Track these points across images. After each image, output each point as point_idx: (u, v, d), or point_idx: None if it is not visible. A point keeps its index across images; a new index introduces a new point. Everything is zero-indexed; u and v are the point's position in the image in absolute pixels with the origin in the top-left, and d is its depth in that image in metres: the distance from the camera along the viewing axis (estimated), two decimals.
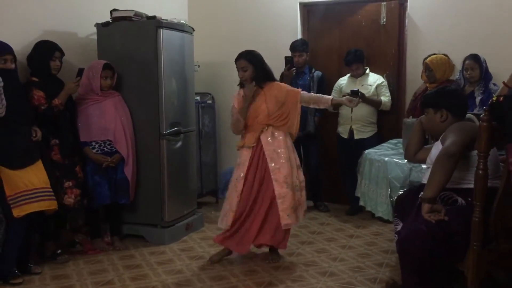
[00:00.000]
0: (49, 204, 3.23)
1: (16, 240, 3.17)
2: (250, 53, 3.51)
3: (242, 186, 3.44)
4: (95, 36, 4.05)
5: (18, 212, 3.09)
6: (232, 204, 3.46)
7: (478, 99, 3.85)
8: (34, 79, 3.47)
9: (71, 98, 3.68)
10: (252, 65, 3.46)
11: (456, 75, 4.14)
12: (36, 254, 3.51)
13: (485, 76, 3.91)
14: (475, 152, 2.38)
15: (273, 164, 3.41)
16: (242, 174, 3.45)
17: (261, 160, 3.45)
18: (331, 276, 3.30)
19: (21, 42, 3.55)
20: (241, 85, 3.56)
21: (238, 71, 3.50)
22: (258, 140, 3.46)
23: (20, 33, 3.59)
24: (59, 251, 3.57)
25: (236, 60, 3.50)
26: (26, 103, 3.33)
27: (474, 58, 3.92)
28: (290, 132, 3.52)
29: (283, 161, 3.42)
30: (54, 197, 3.28)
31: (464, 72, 3.97)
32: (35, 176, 3.20)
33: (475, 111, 3.53)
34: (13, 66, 3.22)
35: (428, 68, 4.09)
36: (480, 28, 4.39)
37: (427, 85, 4.14)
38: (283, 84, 3.65)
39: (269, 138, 3.46)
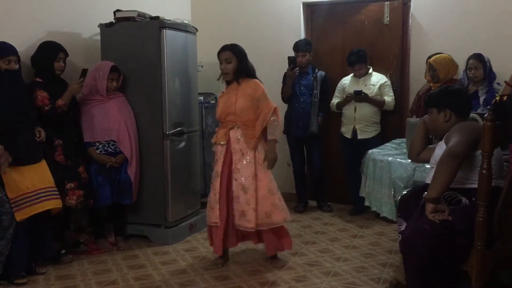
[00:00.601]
0: (54, 204, 3.25)
1: (24, 241, 3.18)
2: (235, 45, 3.43)
3: (219, 183, 3.38)
4: (98, 37, 4.06)
5: (20, 215, 3.09)
6: (214, 202, 3.39)
7: (482, 99, 3.84)
8: (38, 79, 3.48)
9: (74, 98, 3.69)
10: (236, 58, 3.37)
11: (460, 75, 4.13)
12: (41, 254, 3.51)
13: (489, 75, 3.89)
14: (479, 152, 2.37)
15: (235, 165, 3.34)
16: (217, 171, 3.39)
17: (230, 157, 3.38)
18: (334, 276, 3.30)
19: (25, 43, 3.56)
20: (226, 81, 3.48)
21: (221, 63, 3.39)
22: (229, 137, 3.39)
23: (24, 34, 3.60)
24: (63, 251, 3.58)
25: (220, 52, 3.40)
26: (29, 104, 3.34)
27: (478, 57, 3.90)
28: (247, 144, 3.34)
29: (245, 162, 3.33)
30: (59, 196, 3.30)
31: (467, 71, 3.95)
32: (37, 176, 3.21)
33: (479, 111, 3.52)
34: (17, 66, 3.24)
35: (431, 68, 4.08)
36: (483, 27, 4.38)
37: (431, 84, 4.13)
38: (261, 84, 3.45)
39: (238, 136, 3.37)
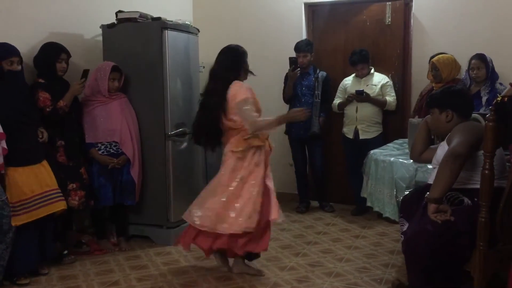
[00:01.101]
0: (55, 207, 3.25)
1: (29, 243, 3.19)
2: None
3: (263, 186, 3.20)
4: (100, 38, 4.07)
5: (15, 221, 3.08)
6: (257, 205, 3.14)
7: (484, 99, 3.83)
8: (41, 80, 3.49)
9: (76, 99, 3.69)
10: None
11: (462, 75, 4.12)
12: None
13: (491, 75, 3.89)
14: (481, 152, 2.37)
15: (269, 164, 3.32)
16: (262, 174, 3.20)
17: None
18: (336, 276, 3.30)
19: (27, 44, 3.57)
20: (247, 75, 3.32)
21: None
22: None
23: (27, 35, 3.61)
24: (65, 251, 3.58)
25: (246, 52, 3.32)
26: (32, 105, 3.35)
27: (480, 57, 3.90)
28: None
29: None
30: (62, 198, 3.30)
31: (470, 71, 3.95)
32: (37, 180, 3.20)
33: (481, 111, 3.51)
34: (19, 68, 3.25)
35: (434, 68, 4.08)
36: (486, 27, 4.37)
37: (433, 84, 4.13)
38: None
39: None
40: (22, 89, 3.29)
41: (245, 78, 3.33)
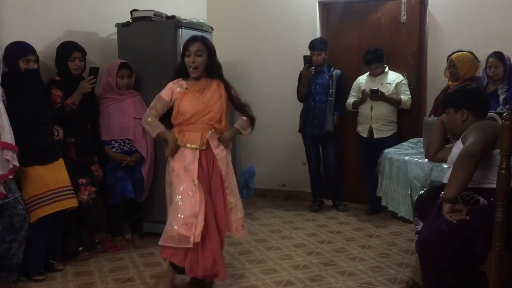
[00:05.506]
0: (67, 203, 3.28)
1: (41, 239, 3.22)
2: (206, 38, 3.03)
3: (199, 194, 2.83)
4: (115, 36, 4.10)
5: (31, 217, 3.12)
6: (191, 214, 2.77)
7: (501, 98, 3.77)
8: (57, 78, 3.53)
9: (94, 97, 3.72)
10: (207, 52, 2.94)
11: (479, 73, 4.07)
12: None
13: (509, 74, 3.82)
14: (497, 151, 2.34)
15: (225, 174, 2.96)
16: (194, 179, 2.85)
17: (212, 166, 2.94)
18: (350, 275, 3.28)
19: (43, 43, 3.62)
20: (183, 74, 3.01)
21: (189, 56, 2.92)
22: (208, 142, 2.93)
23: (43, 34, 3.66)
24: (80, 248, 3.62)
25: (190, 43, 2.94)
26: (48, 103, 3.38)
27: (498, 55, 3.84)
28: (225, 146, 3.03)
29: (228, 167, 3.00)
30: (73, 195, 3.33)
31: (487, 70, 3.89)
32: (52, 176, 3.24)
33: (499, 110, 3.46)
34: (35, 66, 3.28)
35: (452, 65, 4.02)
36: (503, 25, 4.31)
37: (450, 83, 4.08)
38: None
39: (215, 143, 2.96)
40: (38, 88, 3.32)
41: (183, 75, 3.02)
